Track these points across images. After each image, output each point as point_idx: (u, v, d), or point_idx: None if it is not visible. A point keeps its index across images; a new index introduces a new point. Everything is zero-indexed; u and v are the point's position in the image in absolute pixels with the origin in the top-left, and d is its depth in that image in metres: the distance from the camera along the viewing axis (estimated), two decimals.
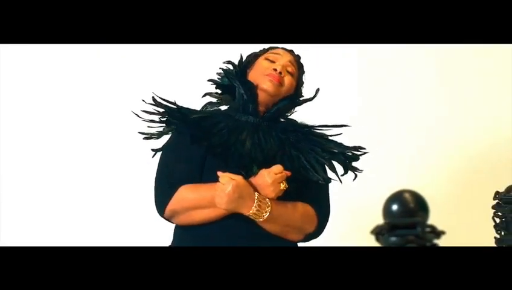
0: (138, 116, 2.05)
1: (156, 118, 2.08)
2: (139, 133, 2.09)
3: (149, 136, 2.12)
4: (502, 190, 1.96)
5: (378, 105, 3.14)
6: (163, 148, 2.09)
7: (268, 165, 1.96)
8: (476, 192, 2.84)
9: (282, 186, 1.94)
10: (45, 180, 3.17)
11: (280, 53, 2.11)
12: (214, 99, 2.15)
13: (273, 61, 2.08)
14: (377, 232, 1.05)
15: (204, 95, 2.14)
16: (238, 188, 1.91)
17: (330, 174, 2.07)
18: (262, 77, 2.05)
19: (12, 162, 3.19)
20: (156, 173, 2.05)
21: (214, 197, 1.92)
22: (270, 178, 1.94)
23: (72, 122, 3.22)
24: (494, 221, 1.97)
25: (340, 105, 3.02)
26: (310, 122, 2.14)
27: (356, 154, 2.07)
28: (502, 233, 1.96)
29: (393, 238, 1.03)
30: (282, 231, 1.99)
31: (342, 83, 3.13)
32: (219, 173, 1.92)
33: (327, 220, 2.08)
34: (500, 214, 1.94)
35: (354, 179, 2.07)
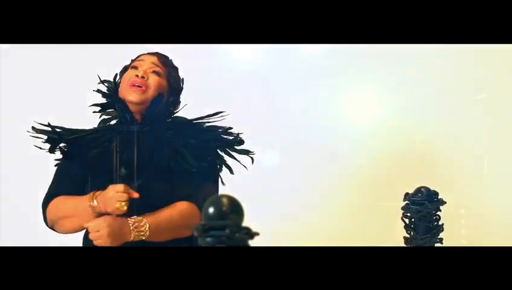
0: (41, 148, 2.14)
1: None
2: (55, 159, 2.21)
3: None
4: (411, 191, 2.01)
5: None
6: None
7: (139, 167, 2.09)
8: (387, 193, 2.88)
9: (118, 205, 1.99)
10: (45, 180, 3.03)
11: (143, 59, 2.22)
12: (107, 116, 2.27)
13: (137, 68, 2.18)
14: (197, 233, 1.10)
15: (100, 116, 2.26)
16: (111, 228, 1.99)
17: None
18: (127, 89, 2.15)
19: (12, 162, 3.11)
20: None
21: (79, 206, 2.06)
22: (110, 193, 2.01)
23: None
24: (404, 221, 2.02)
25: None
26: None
27: (237, 137, 2.17)
28: (411, 233, 2.00)
29: (208, 239, 1.08)
30: (172, 234, 2.07)
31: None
32: (87, 225, 2.02)
33: None
34: (409, 214, 1.99)
35: (253, 163, 2.18)
